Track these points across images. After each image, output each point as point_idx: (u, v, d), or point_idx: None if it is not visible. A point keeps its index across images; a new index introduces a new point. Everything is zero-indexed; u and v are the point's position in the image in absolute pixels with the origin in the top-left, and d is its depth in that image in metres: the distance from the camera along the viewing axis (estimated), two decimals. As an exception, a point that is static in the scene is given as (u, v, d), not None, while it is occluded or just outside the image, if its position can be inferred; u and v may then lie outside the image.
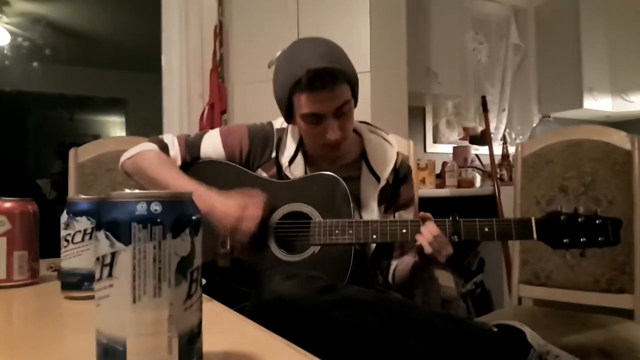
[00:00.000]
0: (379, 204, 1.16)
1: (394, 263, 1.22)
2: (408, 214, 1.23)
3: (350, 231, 1.04)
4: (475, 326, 0.91)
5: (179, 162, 1.18)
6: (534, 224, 1.00)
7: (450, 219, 1.02)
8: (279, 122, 1.21)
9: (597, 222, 0.98)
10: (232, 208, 1.02)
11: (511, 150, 2.70)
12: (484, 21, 3.37)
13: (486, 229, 1.01)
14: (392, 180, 1.19)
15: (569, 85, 3.20)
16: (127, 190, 0.39)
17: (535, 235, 1.00)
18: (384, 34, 2.16)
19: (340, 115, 1.07)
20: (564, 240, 0.99)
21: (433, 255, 1.01)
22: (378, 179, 1.17)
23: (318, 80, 1.01)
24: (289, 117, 1.13)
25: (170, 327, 0.37)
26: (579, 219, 0.99)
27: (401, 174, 1.22)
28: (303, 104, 1.05)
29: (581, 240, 0.98)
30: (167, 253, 0.37)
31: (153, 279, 0.37)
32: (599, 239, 0.98)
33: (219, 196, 1.04)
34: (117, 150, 1.50)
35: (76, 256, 0.72)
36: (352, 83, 1.09)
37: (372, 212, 1.15)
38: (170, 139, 1.20)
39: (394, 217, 1.20)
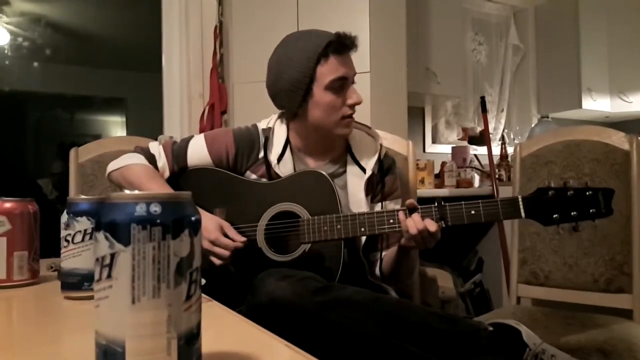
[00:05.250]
0: (366, 195, 1.18)
1: (381, 254, 1.23)
2: (395, 204, 1.25)
3: (339, 226, 1.05)
4: (471, 325, 0.91)
5: (167, 174, 1.18)
6: (521, 202, 0.98)
7: (436, 204, 1.02)
8: (264, 123, 1.22)
9: (587, 193, 0.95)
10: (210, 229, 1.03)
11: (510, 150, 2.71)
12: (483, 21, 3.37)
13: (472, 212, 1.00)
14: (377, 171, 1.21)
15: (567, 86, 3.21)
16: (127, 192, 0.40)
17: (523, 214, 0.98)
18: (383, 35, 2.16)
19: (353, 84, 1.14)
20: (554, 216, 0.96)
21: (420, 246, 1.04)
22: (364, 170, 1.19)
23: (347, 40, 1.10)
24: (304, 99, 1.12)
25: (169, 328, 0.37)
26: (568, 192, 0.96)
27: (385, 164, 1.24)
28: (332, 68, 1.09)
29: (572, 214, 0.95)
30: (167, 254, 0.37)
31: (152, 280, 0.37)
32: (591, 210, 0.94)
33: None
34: (118, 150, 1.50)
35: (76, 256, 0.72)
36: None
37: (360, 203, 1.17)
38: (156, 149, 1.20)
39: (381, 206, 1.21)
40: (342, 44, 1.09)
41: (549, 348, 0.88)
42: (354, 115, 1.16)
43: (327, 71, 1.09)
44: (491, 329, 0.91)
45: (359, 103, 1.12)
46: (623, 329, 1.22)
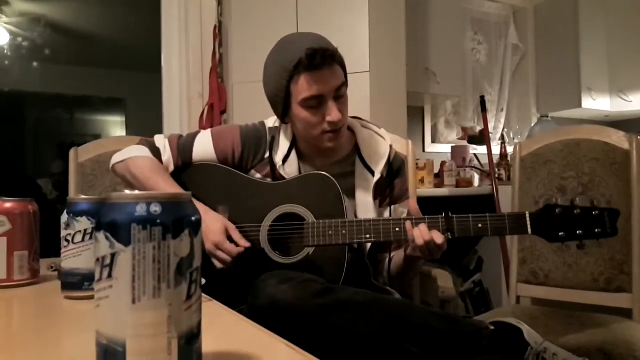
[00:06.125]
0: (374, 198, 1.16)
1: (390, 255, 1.23)
2: (403, 207, 1.23)
3: (344, 231, 1.04)
4: (472, 325, 0.92)
5: (171, 168, 1.17)
6: (528, 219, 0.99)
7: (444, 215, 1.02)
8: (272, 121, 1.21)
9: (593, 213, 0.97)
10: (215, 231, 1.02)
11: (509, 150, 2.71)
12: (483, 21, 3.37)
13: (480, 225, 1.00)
14: (386, 174, 1.18)
15: (567, 85, 3.21)
16: (127, 192, 0.40)
17: (530, 230, 0.99)
18: (383, 34, 2.16)
19: (339, 98, 1.08)
20: (560, 234, 0.98)
21: (426, 257, 1.03)
22: (372, 173, 1.16)
23: (318, 57, 1.02)
24: (285, 112, 1.12)
25: (169, 328, 0.37)
26: (575, 211, 0.97)
27: (395, 167, 1.22)
28: (304, 86, 1.05)
29: (577, 232, 0.97)
30: (167, 254, 0.37)
31: (153, 280, 0.37)
32: (596, 230, 0.96)
33: (206, 214, 1.04)
34: (118, 150, 1.49)
35: (76, 256, 0.73)
36: (345, 69, 1.11)
37: (368, 207, 1.15)
38: (162, 142, 1.19)
39: (390, 210, 1.20)
40: (310, 63, 1.02)
41: (551, 346, 0.88)
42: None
43: (300, 89, 1.05)
44: (492, 328, 0.91)
45: (336, 122, 1.07)
46: (623, 329, 1.22)
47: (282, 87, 1.07)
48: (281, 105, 1.10)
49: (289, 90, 1.07)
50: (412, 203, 1.07)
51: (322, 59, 1.03)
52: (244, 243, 1.04)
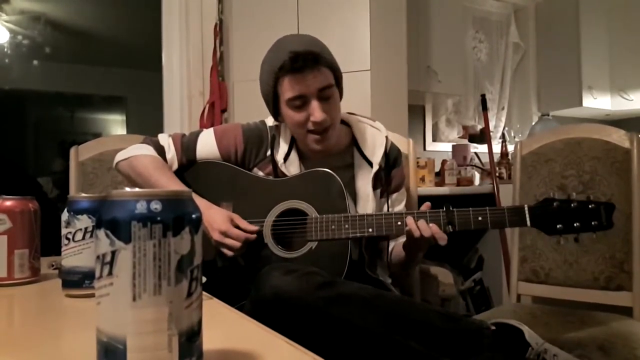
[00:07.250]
0: (374, 189, 1.18)
1: (392, 244, 1.26)
2: (401, 196, 1.27)
3: (346, 226, 1.05)
4: (473, 324, 0.92)
5: (175, 166, 1.19)
6: (527, 211, 1.02)
7: (444, 209, 1.04)
8: (271, 120, 1.23)
9: (590, 206, 0.99)
10: (220, 221, 1.04)
11: (510, 148, 2.71)
12: (484, 19, 3.37)
13: (480, 218, 1.02)
14: (384, 164, 1.21)
15: (568, 84, 3.20)
16: (128, 189, 0.40)
17: (528, 222, 1.02)
18: (384, 32, 2.16)
19: (324, 99, 1.10)
20: (558, 226, 1.00)
21: (424, 248, 1.07)
22: (371, 164, 1.19)
23: (300, 60, 1.06)
24: (276, 112, 1.16)
25: (170, 325, 0.37)
26: (572, 204, 1.00)
27: (392, 157, 1.25)
28: (287, 87, 1.09)
29: (574, 225, 0.99)
30: (167, 251, 0.37)
31: (153, 277, 0.37)
32: (593, 223, 0.99)
33: (209, 208, 1.07)
34: (118, 148, 1.50)
35: (77, 254, 0.73)
36: (335, 72, 1.13)
37: (368, 197, 1.17)
38: (166, 140, 1.21)
39: (388, 200, 1.23)
40: (292, 65, 1.06)
41: (551, 347, 0.88)
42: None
43: (284, 90, 1.10)
44: (493, 328, 0.91)
45: (319, 122, 1.09)
46: (623, 327, 1.22)
47: (270, 87, 1.12)
48: (271, 104, 1.15)
49: (276, 91, 1.12)
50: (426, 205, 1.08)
51: (303, 62, 1.06)
52: (251, 228, 1.06)
